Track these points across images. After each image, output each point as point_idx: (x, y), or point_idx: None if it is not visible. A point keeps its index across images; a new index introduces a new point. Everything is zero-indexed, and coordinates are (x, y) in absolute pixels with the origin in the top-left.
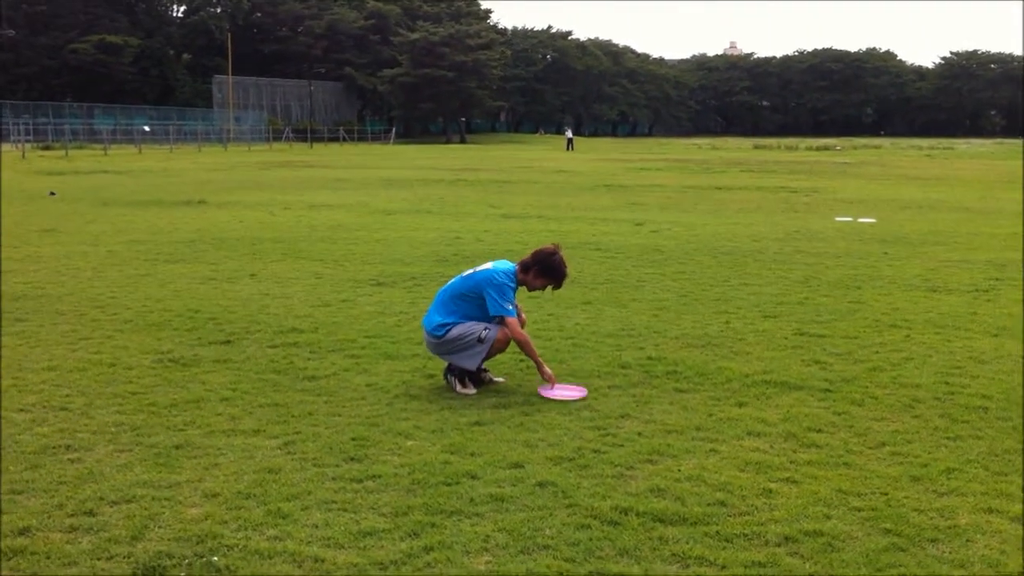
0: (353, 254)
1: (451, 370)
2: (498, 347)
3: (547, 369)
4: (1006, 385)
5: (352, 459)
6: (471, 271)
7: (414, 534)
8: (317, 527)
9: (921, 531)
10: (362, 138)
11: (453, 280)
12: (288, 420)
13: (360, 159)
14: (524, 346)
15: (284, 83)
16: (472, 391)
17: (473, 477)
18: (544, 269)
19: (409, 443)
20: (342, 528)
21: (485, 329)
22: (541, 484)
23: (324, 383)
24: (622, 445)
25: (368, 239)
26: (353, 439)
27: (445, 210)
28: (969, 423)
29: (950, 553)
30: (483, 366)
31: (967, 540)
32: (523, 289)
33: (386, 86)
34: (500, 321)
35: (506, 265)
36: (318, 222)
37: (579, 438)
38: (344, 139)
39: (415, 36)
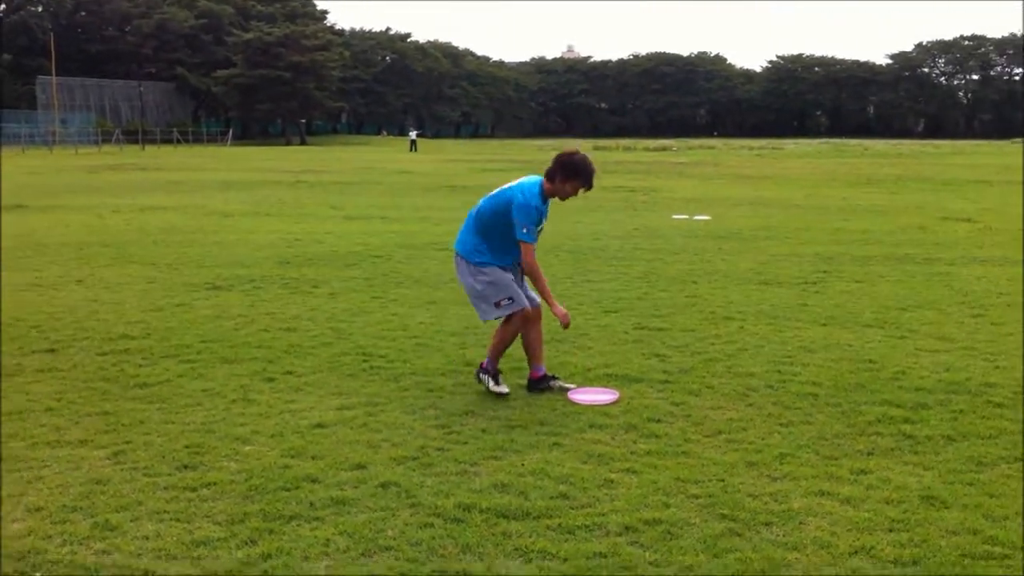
0: (188, 257)
1: (484, 369)
2: (510, 334)
3: (559, 308)
4: (834, 372)
5: (186, 467)
6: (497, 190)
7: (251, 541)
8: (148, 538)
9: (756, 515)
10: (197, 140)
11: (480, 203)
12: (118, 429)
13: (196, 161)
14: (533, 273)
15: (112, 84)
16: (506, 390)
17: (314, 481)
18: (569, 171)
19: (247, 448)
20: (174, 538)
21: (509, 299)
22: (384, 485)
23: (157, 390)
24: (466, 442)
25: (204, 242)
26: (187, 446)
27: (285, 212)
28: (800, 409)
29: (784, 536)
30: (554, 375)
31: (800, 523)
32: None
33: (221, 87)
34: (521, 250)
35: (532, 180)
36: (151, 225)
37: (423, 437)
38: (178, 141)
39: (249, 36)
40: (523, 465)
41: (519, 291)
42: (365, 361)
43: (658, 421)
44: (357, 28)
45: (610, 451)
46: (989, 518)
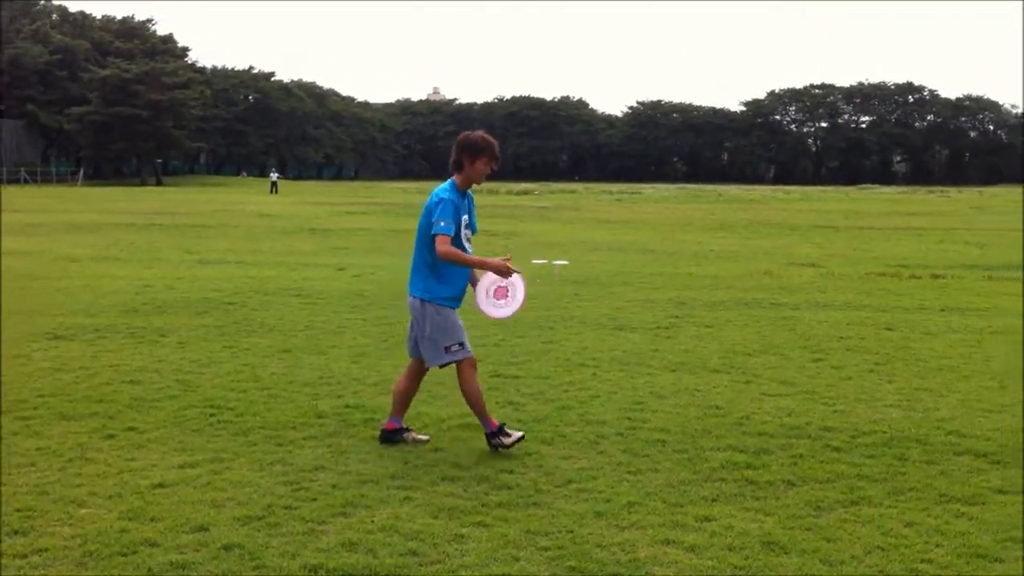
0: (29, 305)
1: (490, 434)
2: (473, 387)
3: (494, 260)
4: (682, 419)
5: (16, 532)
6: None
7: None
8: None
9: (604, 567)
10: (46, 180)
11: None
12: None
13: (43, 202)
14: (450, 257)
15: None
16: (520, 434)
17: (152, 545)
18: (473, 150)
19: (82, 511)
20: None
21: (459, 344)
22: (227, 547)
23: None
24: (315, 499)
25: (47, 288)
26: (18, 510)
27: (135, 256)
28: (649, 457)
29: None
30: (408, 427)
31: (646, 573)
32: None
33: (74, 125)
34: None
35: (443, 185)
36: None
37: (270, 494)
38: (26, 181)
39: (106, 72)
40: (373, 521)
41: (466, 338)
42: (212, 415)
43: (510, 472)
44: (219, 66)
45: (462, 504)
46: (826, 563)
